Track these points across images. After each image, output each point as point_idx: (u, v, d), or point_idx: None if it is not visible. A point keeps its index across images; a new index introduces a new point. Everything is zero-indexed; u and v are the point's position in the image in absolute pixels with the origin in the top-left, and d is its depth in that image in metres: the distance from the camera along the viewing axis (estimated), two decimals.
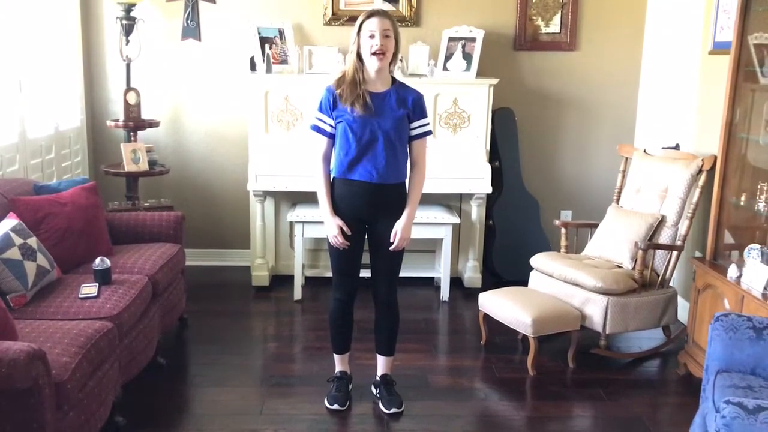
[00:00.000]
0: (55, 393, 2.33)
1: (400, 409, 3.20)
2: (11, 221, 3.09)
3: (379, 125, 2.96)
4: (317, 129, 3.07)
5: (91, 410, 2.61)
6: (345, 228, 3.04)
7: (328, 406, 3.23)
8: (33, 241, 3.10)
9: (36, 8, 4.24)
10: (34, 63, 4.22)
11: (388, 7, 4.96)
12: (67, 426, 2.42)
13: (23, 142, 4.10)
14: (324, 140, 3.06)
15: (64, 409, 2.40)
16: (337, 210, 3.07)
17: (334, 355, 3.36)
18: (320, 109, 3.05)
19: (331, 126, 3.03)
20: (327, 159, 3.09)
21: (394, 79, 3.07)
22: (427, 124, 3.10)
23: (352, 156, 2.98)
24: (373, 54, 2.90)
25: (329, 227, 3.06)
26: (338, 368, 3.36)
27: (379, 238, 3.11)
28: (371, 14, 2.93)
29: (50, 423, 2.29)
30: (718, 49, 3.96)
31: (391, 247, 3.06)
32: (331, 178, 3.10)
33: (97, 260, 3.23)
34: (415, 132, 3.06)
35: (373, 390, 3.35)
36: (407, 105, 3.01)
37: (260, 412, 3.21)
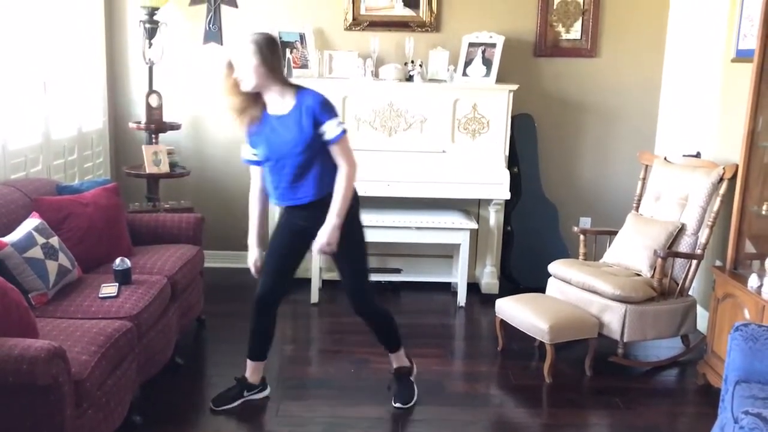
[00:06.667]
0: (74, 390, 2.36)
1: None
2: (34, 221, 3.14)
3: None
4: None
5: (109, 408, 2.64)
6: None
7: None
8: (55, 241, 3.15)
9: (61, 11, 4.31)
10: (58, 65, 4.29)
11: (408, 12, 4.98)
12: (85, 423, 2.45)
13: (47, 143, 4.16)
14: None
15: (83, 406, 2.43)
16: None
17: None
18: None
19: None
20: None
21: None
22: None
23: None
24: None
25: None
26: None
27: None
28: None
29: (69, 420, 2.32)
30: (741, 56, 3.93)
31: None
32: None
33: (118, 260, 3.27)
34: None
35: None
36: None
37: (276, 413, 3.23)
